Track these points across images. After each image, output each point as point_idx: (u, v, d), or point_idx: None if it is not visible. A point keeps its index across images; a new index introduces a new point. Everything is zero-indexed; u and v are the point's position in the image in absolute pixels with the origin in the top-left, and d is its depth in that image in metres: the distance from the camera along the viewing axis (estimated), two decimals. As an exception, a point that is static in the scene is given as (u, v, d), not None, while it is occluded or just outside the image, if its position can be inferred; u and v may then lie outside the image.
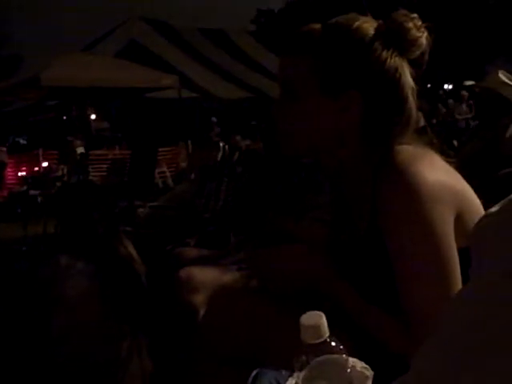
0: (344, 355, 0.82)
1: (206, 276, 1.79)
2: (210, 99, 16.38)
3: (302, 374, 0.81)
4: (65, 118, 14.85)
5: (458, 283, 1.22)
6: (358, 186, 1.38)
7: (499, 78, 3.82)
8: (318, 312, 0.85)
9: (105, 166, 10.83)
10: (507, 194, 0.63)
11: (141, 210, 5.32)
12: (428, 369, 0.60)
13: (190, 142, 12.01)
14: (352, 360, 0.83)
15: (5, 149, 12.10)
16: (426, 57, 1.35)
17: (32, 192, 8.35)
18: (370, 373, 0.83)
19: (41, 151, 11.26)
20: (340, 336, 0.85)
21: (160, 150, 9.72)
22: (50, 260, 1.98)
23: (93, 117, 14.54)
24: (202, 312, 1.65)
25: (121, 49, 16.00)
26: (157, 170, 9.59)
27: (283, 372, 1.06)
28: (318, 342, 0.82)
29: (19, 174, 11.23)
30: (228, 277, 1.77)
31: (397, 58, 1.33)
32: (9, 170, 11.46)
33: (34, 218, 6.77)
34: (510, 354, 0.53)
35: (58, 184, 8.72)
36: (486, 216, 0.64)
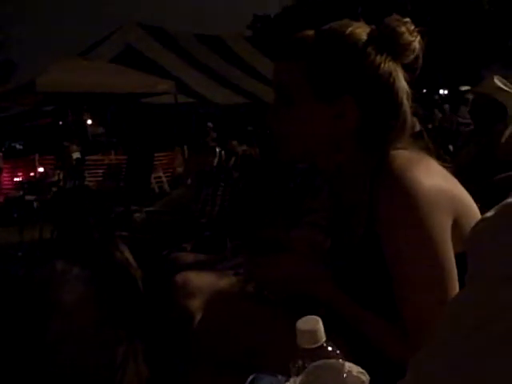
0: (340, 360, 0.82)
1: (203, 281, 1.79)
2: (207, 104, 16.37)
3: (298, 379, 0.81)
4: (61, 123, 14.82)
5: (455, 288, 1.22)
6: (355, 191, 1.38)
7: (494, 83, 3.83)
8: (314, 317, 0.85)
9: (101, 171, 10.82)
10: (503, 199, 0.64)
11: (137, 214, 5.31)
12: (427, 373, 0.60)
13: (186, 147, 12.01)
14: (348, 365, 0.83)
15: (1, 154, 12.10)
16: (420, 61, 1.36)
17: (28, 197, 8.33)
18: (366, 378, 0.83)
19: (37, 156, 11.24)
20: (336, 341, 0.85)
21: (156, 155, 9.71)
22: (45, 265, 1.98)
23: (89, 122, 14.52)
24: (198, 317, 1.65)
25: (117, 54, 15.99)
26: (153, 175, 9.58)
27: (280, 377, 1.06)
28: (314, 346, 0.82)
29: (15, 179, 11.22)
30: (224, 282, 1.77)
31: (390, 63, 1.33)
32: (5, 175, 11.44)
33: (30, 223, 6.76)
34: (510, 357, 0.53)
35: (54, 189, 8.70)
36: (482, 220, 0.64)
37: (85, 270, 1.89)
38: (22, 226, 6.55)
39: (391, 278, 1.27)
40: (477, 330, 0.56)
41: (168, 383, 1.86)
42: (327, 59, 1.34)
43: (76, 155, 10.54)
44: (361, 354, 1.04)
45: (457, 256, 1.24)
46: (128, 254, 2.01)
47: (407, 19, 1.35)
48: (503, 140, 3.79)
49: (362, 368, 0.84)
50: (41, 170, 10.81)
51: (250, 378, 1.11)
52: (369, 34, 1.34)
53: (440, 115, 13.91)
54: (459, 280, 1.23)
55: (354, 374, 0.82)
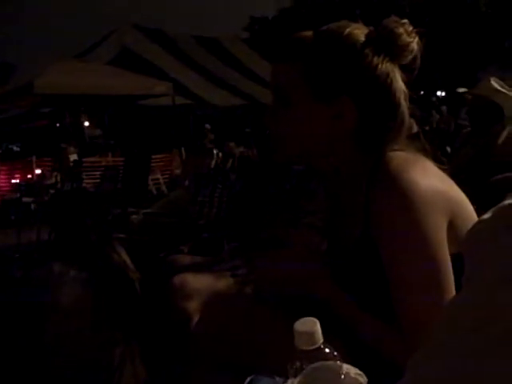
0: (338, 362, 0.82)
1: (200, 283, 1.79)
2: (204, 106, 16.38)
3: (296, 381, 0.81)
4: (58, 125, 14.82)
5: (451, 289, 1.22)
6: (352, 192, 1.38)
7: (491, 84, 3.84)
8: (312, 318, 0.85)
9: (98, 173, 10.80)
10: (500, 201, 0.64)
11: (134, 216, 5.31)
12: (425, 374, 0.60)
13: (183, 148, 12.01)
14: (346, 366, 0.83)
15: (-2, 156, 12.08)
16: (418, 62, 1.36)
17: (25, 199, 8.32)
18: (363, 379, 0.83)
19: (34, 158, 11.23)
20: (334, 342, 0.85)
21: (154, 156, 9.71)
22: (43, 267, 1.98)
23: (86, 124, 14.52)
24: (195, 319, 1.64)
25: (114, 56, 15.99)
26: (150, 177, 9.58)
27: (277, 378, 1.06)
28: (312, 348, 0.82)
29: (12, 181, 11.19)
30: (222, 283, 1.77)
31: (388, 64, 1.34)
32: (2, 177, 11.42)
33: (27, 225, 6.75)
34: (509, 359, 0.53)
35: (52, 191, 8.69)
36: (479, 222, 0.64)
37: (82, 272, 1.89)
38: (19, 228, 6.55)
39: (387, 278, 1.27)
40: (475, 332, 0.56)
41: (166, 385, 1.85)
42: (325, 60, 1.34)
43: (73, 157, 10.54)
44: (358, 356, 1.04)
45: (452, 256, 1.24)
46: (125, 256, 2.01)
47: (405, 20, 1.35)
48: (500, 141, 3.80)
49: (360, 370, 0.84)
50: (38, 171, 10.80)
51: (248, 379, 1.11)
52: (367, 35, 1.35)
53: (437, 117, 13.92)
54: (455, 281, 1.23)
55: (352, 375, 0.82)
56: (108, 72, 12.24)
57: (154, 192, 10.55)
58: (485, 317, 0.56)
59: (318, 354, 0.82)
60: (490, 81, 3.88)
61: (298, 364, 0.82)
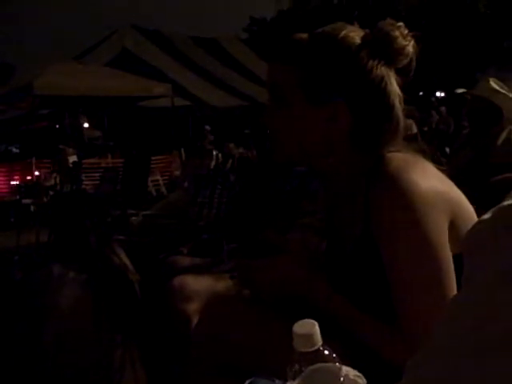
0: (337, 364, 0.82)
1: (200, 284, 1.79)
2: (203, 107, 16.38)
3: (295, 383, 0.81)
4: (57, 126, 14.81)
5: (452, 289, 1.22)
6: (351, 192, 1.38)
7: (490, 85, 3.83)
8: (310, 320, 0.85)
9: (97, 174, 10.79)
10: (499, 201, 0.64)
11: (134, 218, 5.31)
12: (425, 374, 0.60)
13: (183, 150, 12.02)
14: (345, 368, 0.82)
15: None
16: (414, 64, 1.36)
17: (25, 201, 8.31)
18: (363, 381, 0.83)
19: (33, 160, 11.23)
20: (333, 344, 0.85)
21: (153, 158, 9.71)
22: (42, 269, 1.98)
23: (85, 125, 14.52)
24: (195, 320, 1.64)
25: (113, 57, 15.99)
26: (150, 179, 9.58)
27: (276, 381, 1.06)
28: (310, 350, 0.82)
29: (12, 182, 11.19)
30: (221, 285, 1.77)
31: (383, 68, 1.33)
32: (1, 178, 11.42)
33: (26, 227, 6.75)
34: (510, 357, 0.53)
35: (51, 193, 8.69)
36: (479, 223, 0.64)
37: (81, 274, 1.89)
38: (18, 230, 6.54)
39: (388, 279, 1.27)
40: (476, 331, 0.56)
41: (165, 387, 1.85)
42: (319, 62, 1.34)
43: (73, 159, 10.53)
44: (357, 358, 1.04)
45: (453, 257, 1.24)
46: (125, 258, 2.01)
47: (401, 23, 1.35)
48: (499, 142, 3.80)
49: (359, 372, 0.84)
50: (37, 173, 10.79)
51: (247, 382, 1.11)
52: (362, 38, 1.35)
53: (437, 117, 13.93)
54: (456, 281, 1.23)
55: (351, 377, 0.81)
56: (107, 73, 12.26)
57: (154, 193, 10.55)
58: (485, 316, 0.56)
59: (316, 356, 0.82)
60: (488, 81, 3.88)
61: (296, 366, 0.82)
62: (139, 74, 12.48)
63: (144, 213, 5.38)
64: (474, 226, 0.65)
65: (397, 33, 1.33)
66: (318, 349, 0.82)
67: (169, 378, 1.81)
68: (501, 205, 0.63)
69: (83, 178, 9.88)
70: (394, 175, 1.27)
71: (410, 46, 1.34)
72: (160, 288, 1.91)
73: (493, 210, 0.63)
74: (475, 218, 1.32)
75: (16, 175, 11.45)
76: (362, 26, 1.38)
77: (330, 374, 0.80)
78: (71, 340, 1.81)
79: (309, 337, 0.82)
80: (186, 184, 6.45)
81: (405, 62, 1.34)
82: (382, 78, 1.33)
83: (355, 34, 1.35)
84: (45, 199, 8.27)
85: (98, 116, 15.48)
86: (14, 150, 17.59)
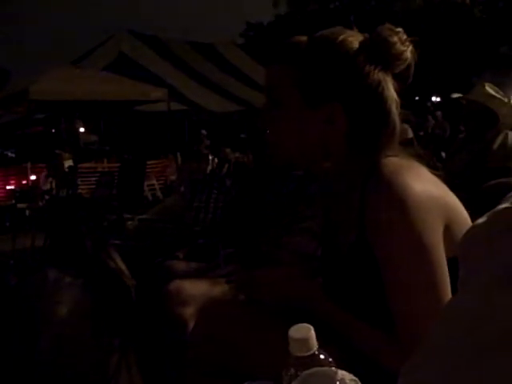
0: (333, 368, 0.82)
1: (196, 289, 1.79)
2: (200, 112, 16.38)
3: (291, 387, 0.81)
4: (53, 131, 14.80)
5: (447, 292, 1.23)
6: (347, 196, 1.38)
7: (486, 90, 3.85)
8: (306, 325, 0.85)
9: (93, 179, 10.77)
10: (493, 206, 0.64)
11: (130, 222, 5.31)
12: (421, 378, 0.60)
13: (179, 154, 12.02)
14: (341, 373, 0.82)
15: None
16: (412, 70, 1.36)
17: (20, 205, 8.29)
18: (359, 385, 0.83)
19: (29, 164, 11.21)
20: (329, 348, 0.85)
21: (149, 162, 9.71)
22: (38, 273, 1.97)
23: (81, 130, 14.50)
24: (191, 325, 1.64)
25: (110, 62, 15.98)
26: (146, 183, 9.57)
27: (272, 385, 1.06)
28: (306, 354, 0.82)
29: (7, 187, 11.18)
30: (217, 289, 1.77)
31: (380, 73, 1.34)
32: (-3, 183, 11.40)
33: (22, 232, 6.73)
34: (508, 358, 0.53)
35: (47, 197, 8.67)
36: (473, 227, 0.65)
37: (77, 279, 1.88)
38: (14, 235, 6.52)
39: (383, 283, 1.27)
40: (472, 333, 0.56)
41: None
42: (317, 65, 1.35)
43: (68, 163, 10.51)
44: (353, 362, 1.04)
45: (448, 261, 1.24)
46: (121, 263, 2.01)
47: (399, 29, 1.35)
48: (495, 147, 3.81)
49: (355, 376, 0.84)
50: (33, 177, 10.77)
51: (243, 386, 1.11)
52: (361, 43, 1.35)
53: (433, 122, 13.96)
54: (451, 285, 1.24)
55: (347, 381, 0.81)
56: (104, 78, 12.25)
57: (150, 198, 10.54)
58: (482, 318, 0.56)
59: (312, 360, 0.82)
60: (484, 86, 3.89)
61: (292, 370, 0.82)
62: (136, 78, 12.47)
63: (140, 217, 5.38)
64: (469, 231, 0.65)
65: (395, 38, 1.33)
66: (314, 353, 0.82)
67: (165, 382, 1.81)
68: (495, 209, 0.63)
69: (79, 183, 9.86)
70: (389, 180, 1.27)
71: (408, 52, 1.34)
72: (156, 292, 1.91)
73: (487, 214, 0.63)
74: (469, 223, 1.32)
75: (11, 180, 11.44)
76: (359, 31, 1.39)
77: (325, 378, 0.80)
78: (67, 345, 1.80)
79: (304, 341, 0.83)
80: (182, 188, 6.45)
81: (402, 67, 1.35)
82: (379, 82, 1.33)
83: (354, 39, 1.35)
84: (40, 204, 8.26)
85: (94, 120, 15.49)
86: (10, 154, 17.55)
